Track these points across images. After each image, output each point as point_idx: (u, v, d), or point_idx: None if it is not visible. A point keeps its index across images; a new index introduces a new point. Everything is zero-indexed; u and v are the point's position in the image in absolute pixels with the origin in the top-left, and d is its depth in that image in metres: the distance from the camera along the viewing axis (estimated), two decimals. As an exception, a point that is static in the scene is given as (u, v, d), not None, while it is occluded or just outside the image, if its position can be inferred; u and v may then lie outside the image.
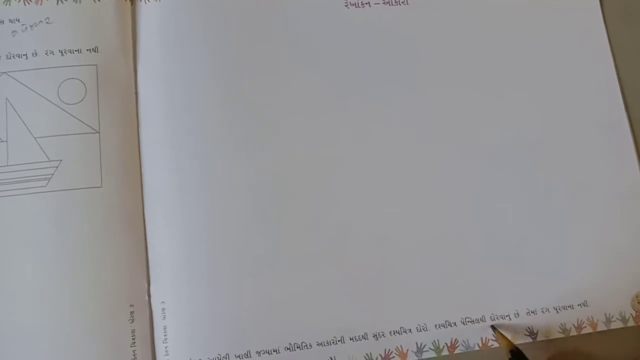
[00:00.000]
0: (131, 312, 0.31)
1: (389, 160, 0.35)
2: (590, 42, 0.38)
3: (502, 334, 0.32)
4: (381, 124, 0.35)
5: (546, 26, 0.38)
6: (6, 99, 0.33)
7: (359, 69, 0.36)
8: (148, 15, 0.35)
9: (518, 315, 0.33)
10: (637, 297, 0.34)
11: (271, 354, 0.31)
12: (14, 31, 0.34)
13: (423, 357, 0.32)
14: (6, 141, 0.33)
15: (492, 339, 0.33)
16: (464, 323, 0.33)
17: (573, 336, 0.33)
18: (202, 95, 0.34)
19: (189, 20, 0.35)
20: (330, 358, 0.32)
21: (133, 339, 0.31)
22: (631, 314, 0.34)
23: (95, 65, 0.34)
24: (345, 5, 0.37)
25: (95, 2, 0.35)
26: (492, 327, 0.32)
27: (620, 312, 0.34)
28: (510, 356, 0.30)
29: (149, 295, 0.32)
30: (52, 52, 0.34)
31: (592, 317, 0.33)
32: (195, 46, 0.35)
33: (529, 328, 0.33)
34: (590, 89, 0.37)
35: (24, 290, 0.31)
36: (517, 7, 0.38)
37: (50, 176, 0.32)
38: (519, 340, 0.33)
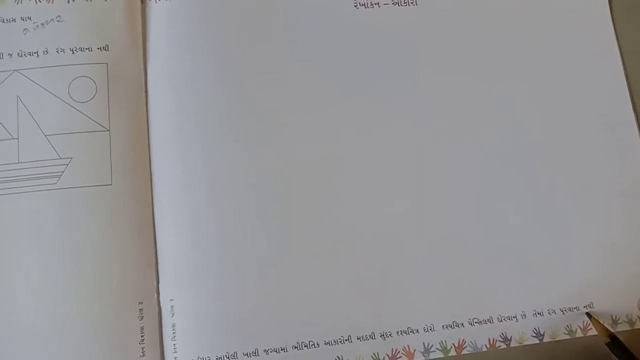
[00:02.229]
0: (140, 309, 0.32)
1: (394, 160, 0.35)
2: (598, 40, 0.38)
3: (598, 321, 0.32)
4: (385, 124, 0.35)
5: (554, 25, 0.38)
6: (17, 96, 0.33)
7: (367, 69, 0.36)
8: (158, 14, 0.35)
9: (525, 316, 0.33)
10: (643, 299, 0.34)
11: (279, 352, 0.31)
12: (25, 29, 0.34)
13: (430, 357, 0.32)
14: (17, 138, 0.33)
15: (499, 340, 0.33)
16: (471, 324, 0.33)
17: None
18: (211, 94, 0.34)
19: (199, 19, 0.35)
20: (338, 357, 0.32)
21: (142, 336, 0.31)
22: (638, 316, 0.34)
23: (106, 63, 0.34)
24: (355, 6, 0.37)
25: (105, 0, 0.35)
26: (588, 314, 0.32)
27: (627, 314, 0.34)
28: (609, 340, 0.31)
29: (158, 293, 0.32)
30: (63, 50, 0.34)
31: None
32: (205, 45, 0.35)
33: (535, 329, 0.33)
34: (597, 87, 0.37)
35: (33, 287, 0.31)
36: (524, 7, 0.38)
37: (60, 174, 0.32)
38: (527, 342, 0.33)
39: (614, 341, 0.30)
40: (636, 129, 0.36)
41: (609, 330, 0.31)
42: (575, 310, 0.33)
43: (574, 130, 0.36)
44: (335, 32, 0.36)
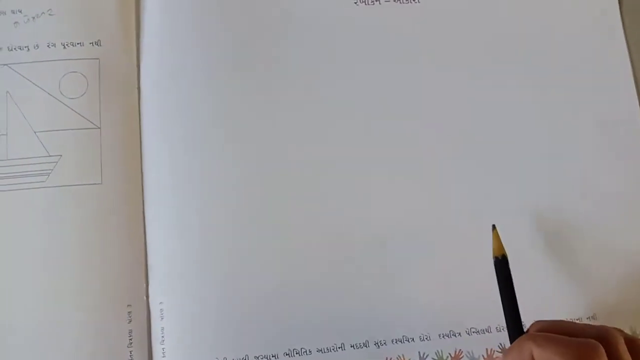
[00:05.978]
0: (129, 312, 0.31)
1: (394, 160, 0.34)
2: (607, 40, 0.37)
3: (499, 237, 0.30)
4: (384, 123, 0.34)
5: (561, 23, 0.37)
6: (7, 91, 0.33)
7: (367, 67, 0.35)
8: (152, 9, 0.34)
9: (525, 326, 0.32)
10: (647, 311, 0.33)
11: (270, 359, 0.31)
12: (15, 22, 0.33)
13: (425, 367, 0.31)
14: (6, 134, 0.32)
15: (497, 351, 0.32)
16: (469, 333, 0.32)
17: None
18: (205, 92, 0.34)
19: (193, 15, 0.34)
20: (330, 365, 0.31)
21: (130, 339, 0.31)
22: (642, 329, 0.33)
23: (98, 59, 0.33)
24: (355, 2, 0.36)
25: (98, -6, 0.34)
26: (493, 226, 0.31)
27: (631, 326, 0.33)
28: (500, 258, 0.30)
29: (147, 296, 0.31)
30: (54, 45, 0.33)
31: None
32: (199, 41, 0.34)
33: (535, 340, 0.32)
34: (606, 87, 0.36)
35: (21, 287, 0.31)
36: (530, 5, 0.37)
37: (49, 171, 0.32)
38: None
39: (502, 260, 0.29)
40: None
41: (504, 251, 0.29)
42: (578, 321, 0.32)
43: (582, 129, 0.35)
44: (337, 29, 0.35)
